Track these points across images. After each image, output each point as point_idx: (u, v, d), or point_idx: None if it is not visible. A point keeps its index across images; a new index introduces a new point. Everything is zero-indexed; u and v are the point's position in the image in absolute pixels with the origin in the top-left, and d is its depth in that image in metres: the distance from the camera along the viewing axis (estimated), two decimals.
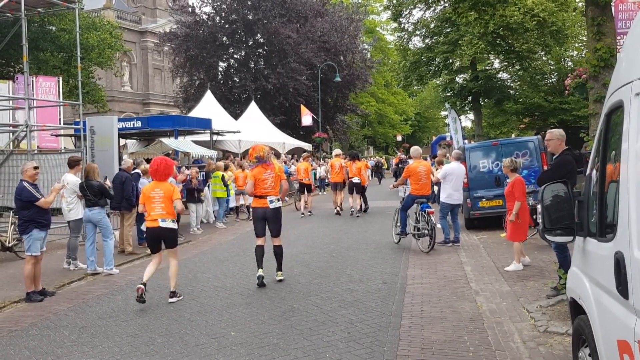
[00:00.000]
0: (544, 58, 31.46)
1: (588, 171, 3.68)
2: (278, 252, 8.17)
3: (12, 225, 10.20)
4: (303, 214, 17.07)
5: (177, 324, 6.23)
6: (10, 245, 10.23)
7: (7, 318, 6.88)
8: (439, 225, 11.03)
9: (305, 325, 6.02)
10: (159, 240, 7.37)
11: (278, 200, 8.07)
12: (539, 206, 3.85)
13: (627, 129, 2.77)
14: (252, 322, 6.21)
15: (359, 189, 16.62)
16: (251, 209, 8.62)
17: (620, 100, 2.96)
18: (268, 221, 8.00)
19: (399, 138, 64.04)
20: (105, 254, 9.20)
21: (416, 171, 10.70)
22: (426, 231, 10.28)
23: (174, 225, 7.42)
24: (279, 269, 8.19)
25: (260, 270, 7.91)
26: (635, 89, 2.71)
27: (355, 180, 16.41)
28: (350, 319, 6.18)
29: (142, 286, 7.01)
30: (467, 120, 52.35)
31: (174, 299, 7.23)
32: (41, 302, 7.52)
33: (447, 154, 14.89)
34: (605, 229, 3.18)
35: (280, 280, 8.02)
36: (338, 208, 16.87)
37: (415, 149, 11.62)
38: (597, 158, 3.43)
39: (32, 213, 7.58)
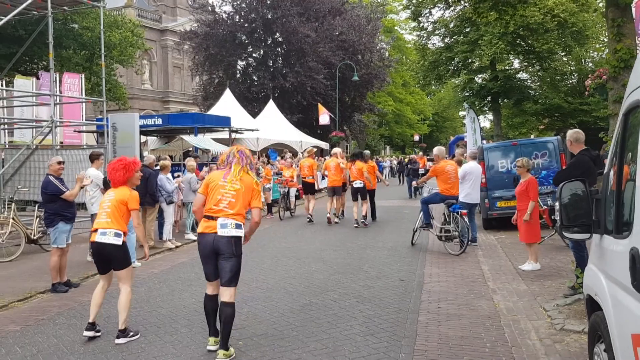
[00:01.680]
0: (565, 59, 31.21)
1: (606, 170, 3.75)
2: (226, 313, 5.02)
3: (37, 219, 10.45)
4: (310, 218, 14.91)
5: (199, 314, 6.36)
6: (35, 238, 10.47)
7: (34, 307, 7.09)
8: None
9: (324, 319, 6.14)
10: (105, 259, 5.75)
11: (237, 227, 5.07)
12: (557, 204, 3.91)
13: None
14: (272, 315, 6.34)
15: (364, 194, 14.16)
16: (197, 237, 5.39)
17: (637, 100, 3.02)
18: (219, 257, 5.08)
19: (417, 138, 63.93)
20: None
21: (444, 170, 10.49)
22: (457, 233, 9.99)
23: (117, 241, 5.61)
24: (224, 344, 4.98)
25: (211, 339, 5.20)
26: None
27: (357, 184, 13.99)
28: (368, 314, 6.29)
29: (89, 333, 5.68)
30: (486, 121, 52.10)
31: (122, 340, 5.54)
32: (66, 293, 7.73)
33: (465, 154, 14.80)
34: (622, 227, 3.25)
35: None
36: (329, 215, 14.56)
37: (440, 149, 11.30)
38: (614, 157, 3.50)
39: (58, 206, 7.80)
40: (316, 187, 17.04)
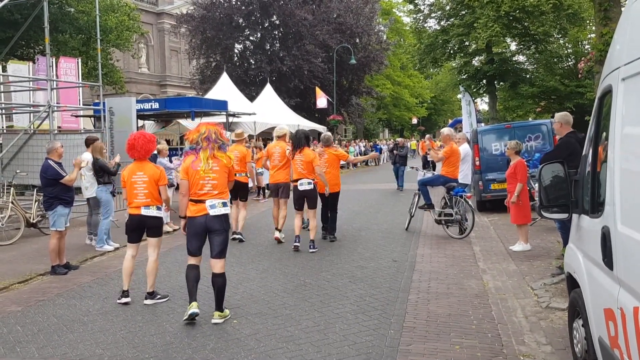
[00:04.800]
0: (561, 41, 31.18)
1: (584, 152, 3.89)
2: (219, 283, 5.56)
3: (36, 203, 10.59)
4: (234, 236, 9.85)
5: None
6: (34, 221, 10.61)
7: (35, 289, 7.25)
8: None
9: (317, 298, 6.31)
10: (141, 227, 6.40)
11: (224, 205, 5.62)
12: (536, 185, 4.06)
13: (614, 113, 2.98)
14: (266, 295, 6.51)
15: (313, 201, 9.35)
16: (187, 220, 5.70)
17: (609, 85, 3.16)
18: (210, 234, 5.60)
19: (415, 121, 63.93)
20: (98, 232, 9.58)
21: (457, 153, 10.37)
22: (459, 217, 9.88)
23: (160, 214, 6.42)
24: (219, 307, 5.60)
25: (193, 304, 5.54)
26: (621, 75, 2.91)
27: (304, 185, 9.15)
28: (360, 294, 6.46)
29: (125, 299, 6.32)
30: (483, 104, 52.08)
31: (149, 301, 6.26)
32: (66, 275, 7.88)
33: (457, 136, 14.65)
34: (598, 207, 3.39)
35: (217, 324, 5.48)
36: (277, 232, 9.82)
37: (451, 130, 11.02)
38: (591, 140, 3.64)
39: (57, 190, 7.93)
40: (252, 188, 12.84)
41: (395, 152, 20.13)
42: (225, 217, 5.63)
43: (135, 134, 6.52)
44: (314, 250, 8.88)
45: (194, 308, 5.51)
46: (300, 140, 9.26)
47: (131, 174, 6.33)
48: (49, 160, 8.02)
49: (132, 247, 6.51)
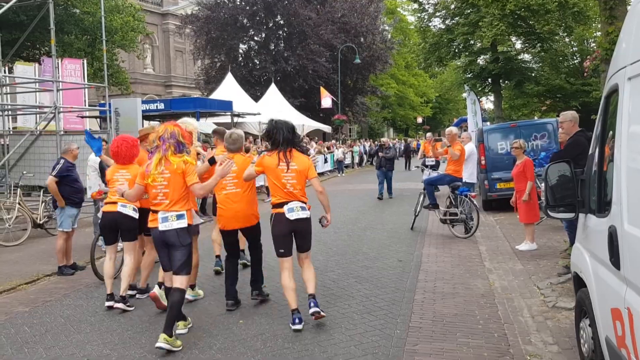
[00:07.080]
0: (566, 40, 31.01)
1: (590, 151, 3.88)
2: (173, 298, 4.91)
3: (43, 204, 10.63)
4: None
5: (202, 296, 6.56)
6: (41, 222, 10.66)
7: (42, 289, 7.29)
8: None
9: (323, 298, 6.29)
10: (115, 228, 6.21)
11: (179, 218, 4.92)
12: (542, 184, 4.06)
13: (620, 112, 2.97)
14: (272, 295, 6.50)
15: (308, 238, 5.67)
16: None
17: (616, 84, 3.15)
18: (169, 247, 5.00)
19: (420, 120, 63.80)
20: None
21: (465, 152, 10.56)
22: (464, 216, 9.91)
23: (135, 214, 6.18)
24: (167, 328, 4.77)
25: (163, 335, 4.74)
26: (628, 74, 2.91)
27: (295, 212, 5.45)
28: (366, 294, 6.46)
29: (110, 303, 6.09)
30: (489, 102, 51.90)
31: (120, 305, 6.02)
32: (72, 276, 7.92)
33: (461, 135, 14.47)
34: (604, 206, 3.39)
35: (160, 348, 4.73)
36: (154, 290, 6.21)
37: (457, 129, 11.17)
38: (597, 139, 3.64)
39: (67, 191, 7.96)
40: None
41: (380, 154, 17.14)
42: (180, 231, 4.94)
43: (118, 140, 6.39)
44: (316, 309, 5.43)
45: (160, 341, 4.72)
46: (282, 135, 5.52)
47: (114, 172, 6.35)
48: (62, 159, 8.07)
49: (109, 250, 6.45)
